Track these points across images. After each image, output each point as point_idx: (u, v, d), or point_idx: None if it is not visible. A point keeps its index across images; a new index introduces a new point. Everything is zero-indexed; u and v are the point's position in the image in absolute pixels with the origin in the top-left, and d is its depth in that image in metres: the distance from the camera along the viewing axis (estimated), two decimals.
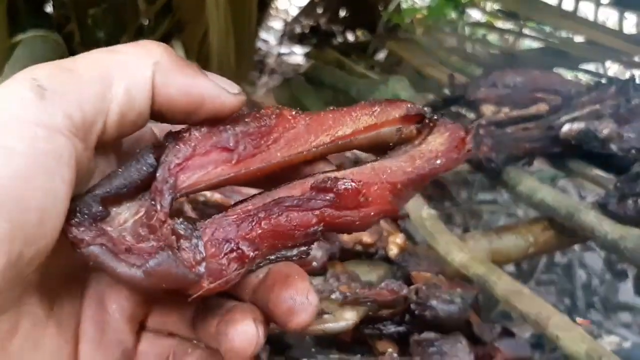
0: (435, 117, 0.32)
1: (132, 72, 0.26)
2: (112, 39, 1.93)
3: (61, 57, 1.00)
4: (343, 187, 0.28)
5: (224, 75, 0.32)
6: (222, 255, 0.26)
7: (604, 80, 1.06)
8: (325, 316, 0.52)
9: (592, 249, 1.75)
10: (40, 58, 1.09)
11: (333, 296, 0.56)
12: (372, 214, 0.28)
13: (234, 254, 0.26)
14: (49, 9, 1.95)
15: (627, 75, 1.21)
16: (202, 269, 0.25)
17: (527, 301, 0.67)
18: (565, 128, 0.87)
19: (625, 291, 1.64)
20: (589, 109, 0.95)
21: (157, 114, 0.27)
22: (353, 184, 0.28)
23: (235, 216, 0.27)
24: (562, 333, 0.63)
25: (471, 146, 0.32)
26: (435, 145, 0.32)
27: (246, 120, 0.29)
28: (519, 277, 1.66)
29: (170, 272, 0.25)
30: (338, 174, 0.28)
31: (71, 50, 1.67)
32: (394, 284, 0.61)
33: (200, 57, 1.60)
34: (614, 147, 0.86)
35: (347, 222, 0.28)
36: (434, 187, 1.93)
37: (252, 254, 0.26)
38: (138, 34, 1.83)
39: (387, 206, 0.29)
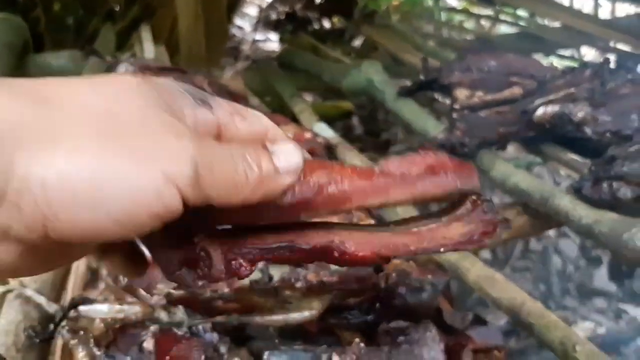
0: (480, 201, 0.32)
1: None
2: (81, 25, 1.88)
3: (24, 41, 0.95)
4: (346, 256, 0.30)
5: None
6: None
7: (578, 65, 1.04)
8: (288, 306, 0.49)
9: (567, 236, 1.76)
10: (0, 41, 1.04)
11: (298, 284, 0.53)
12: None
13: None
14: None
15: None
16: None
17: (500, 287, 0.65)
18: (540, 111, 0.86)
19: (600, 277, 1.65)
20: (563, 93, 0.94)
21: None
22: (356, 253, 0.30)
23: (248, 251, 0.30)
24: (535, 320, 0.62)
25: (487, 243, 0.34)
26: (458, 230, 0.32)
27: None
28: (495, 263, 1.66)
29: None
30: (346, 237, 0.30)
31: (36, 35, 1.61)
32: (362, 271, 0.58)
33: (170, 42, 1.56)
34: (588, 130, 0.85)
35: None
36: None
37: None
38: (107, 19, 1.77)
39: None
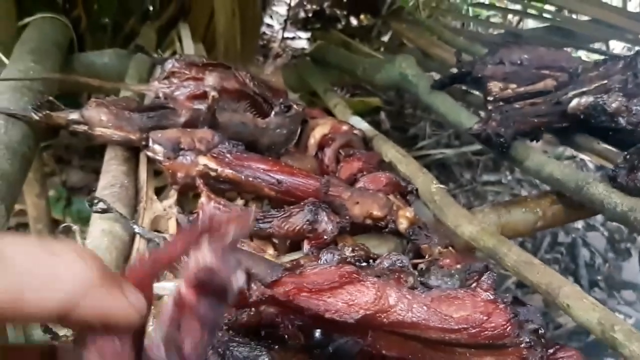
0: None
1: None
2: (117, 24, 1.93)
3: (70, 40, 1.01)
4: None
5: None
6: None
7: (610, 57, 1.06)
8: None
9: (595, 229, 1.77)
10: (48, 40, 1.09)
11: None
12: None
13: None
14: None
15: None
16: None
17: (538, 271, 0.68)
18: (574, 102, 0.88)
19: (629, 269, 1.66)
20: (596, 84, 0.95)
21: None
22: None
23: None
24: (572, 302, 0.64)
25: None
26: None
27: None
28: None
29: None
30: None
31: (78, 34, 1.67)
32: (396, 257, 0.62)
33: (206, 40, 1.60)
34: (622, 120, 0.86)
35: None
36: (439, 169, 1.94)
37: None
38: (144, 19, 1.83)
39: None
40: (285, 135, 0.87)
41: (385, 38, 2.17)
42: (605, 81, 0.96)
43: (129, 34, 1.76)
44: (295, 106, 0.88)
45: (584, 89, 0.93)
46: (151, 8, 1.97)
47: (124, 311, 0.33)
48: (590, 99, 0.87)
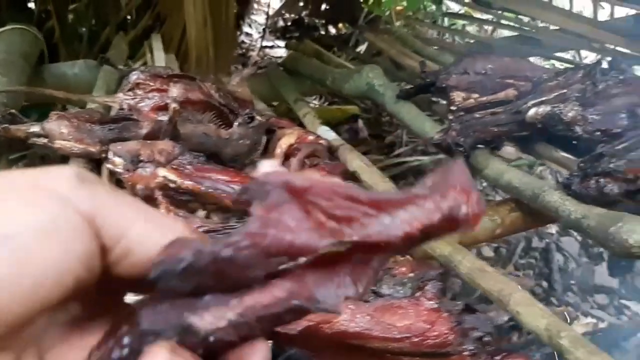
0: None
1: None
2: (93, 35, 1.94)
3: (40, 51, 1.02)
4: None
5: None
6: None
7: (572, 66, 1.08)
8: None
9: (568, 233, 1.79)
10: (15, 52, 1.10)
11: None
12: None
13: None
14: (31, 4, 1.95)
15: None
16: None
17: (491, 279, 0.69)
18: (531, 112, 0.89)
19: (602, 274, 1.68)
20: (556, 93, 0.97)
21: None
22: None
23: None
24: (522, 309, 0.65)
25: None
26: None
27: None
28: (498, 261, 1.69)
29: None
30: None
31: (51, 45, 1.67)
32: None
33: (180, 50, 1.61)
34: (579, 129, 0.88)
35: None
36: (415, 176, 1.96)
37: None
38: (119, 29, 1.83)
39: None
40: (248, 146, 0.88)
41: (362, 48, 2.19)
42: (565, 90, 0.98)
43: (105, 44, 1.77)
44: (258, 117, 0.89)
45: (543, 98, 0.95)
46: (130, 18, 1.98)
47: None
48: (548, 108, 0.89)
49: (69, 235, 0.25)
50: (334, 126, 1.11)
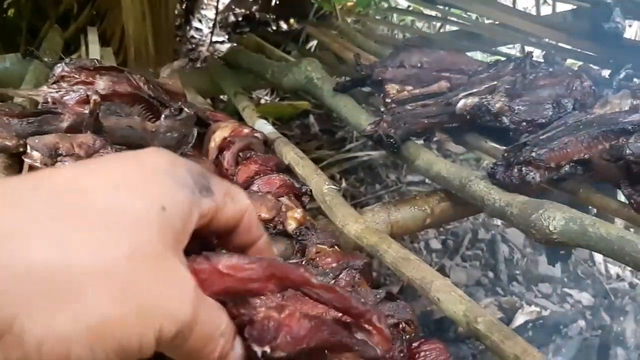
0: None
1: None
2: (33, 28, 1.88)
3: None
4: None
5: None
6: None
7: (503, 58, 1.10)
8: None
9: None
10: None
11: None
12: None
13: None
14: None
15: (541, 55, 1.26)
16: None
17: (413, 267, 0.70)
18: (460, 103, 0.91)
19: (545, 263, 1.72)
20: (486, 85, 0.99)
21: None
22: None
23: None
24: (442, 295, 0.66)
25: None
26: None
27: None
28: (445, 253, 1.72)
29: None
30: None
31: None
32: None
33: (121, 45, 1.58)
34: (506, 120, 0.90)
35: None
36: (365, 170, 1.97)
37: None
38: (59, 22, 1.78)
39: None
40: (176, 139, 0.87)
41: (313, 44, 2.19)
42: (495, 82, 1.00)
43: (44, 38, 1.72)
44: (187, 109, 0.88)
45: (474, 90, 0.97)
46: (73, 11, 1.93)
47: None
48: (476, 99, 0.90)
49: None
50: (286, 122, 1.11)
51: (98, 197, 0.29)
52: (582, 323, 1.57)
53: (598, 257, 1.75)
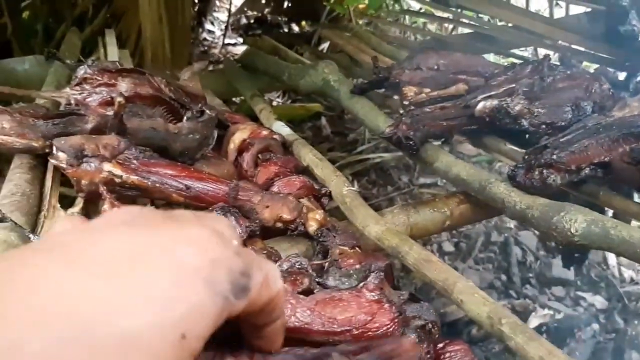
0: None
1: None
2: (49, 31, 1.90)
3: None
4: None
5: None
6: None
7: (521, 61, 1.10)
8: None
9: (526, 228, 1.82)
10: None
11: None
12: None
13: None
14: None
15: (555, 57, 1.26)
16: None
17: (436, 269, 0.70)
18: (480, 106, 0.91)
19: (559, 266, 1.72)
20: (505, 88, 0.99)
21: None
22: None
23: None
24: (465, 297, 0.66)
25: None
26: None
27: None
28: (458, 255, 1.72)
29: None
30: None
31: (4, 40, 1.64)
32: (295, 259, 0.63)
33: (137, 47, 1.59)
34: (525, 122, 0.90)
35: None
36: (377, 172, 1.97)
37: None
38: (75, 25, 1.80)
39: None
40: (198, 140, 0.88)
41: (325, 45, 2.20)
42: (513, 85, 1.00)
43: (60, 40, 1.74)
44: (208, 111, 0.89)
45: (492, 93, 0.97)
46: (89, 14, 1.94)
47: None
48: (495, 102, 0.91)
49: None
50: (298, 124, 1.12)
51: (107, 323, 0.25)
52: (595, 326, 1.57)
53: (612, 260, 1.74)
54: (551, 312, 1.63)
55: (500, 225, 1.82)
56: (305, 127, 2.13)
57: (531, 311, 1.61)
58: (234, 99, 1.92)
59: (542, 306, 1.64)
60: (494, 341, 1.51)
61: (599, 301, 1.66)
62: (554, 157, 0.80)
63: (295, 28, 2.48)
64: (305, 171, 0.95)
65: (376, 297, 0.56)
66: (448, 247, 1.76)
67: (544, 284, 1.71)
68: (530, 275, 1.73)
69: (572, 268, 1.69)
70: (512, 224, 1.83)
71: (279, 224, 0.79)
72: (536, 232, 1.83)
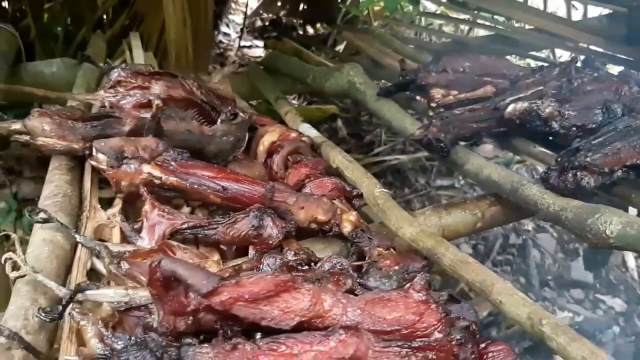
0: None
1: None
2: (69, 33, 1.92)
3: (17, 49, 1.01)
4: None
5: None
6: None
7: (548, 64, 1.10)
8: None
9: (545, 230, 1.82)
10: None
11: None
12: None
13: None
14: (4, 3, 1.92)
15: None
16: None
17: (473, 270, 0.70)
18: (510, 108, 0.91)
19: (577, 269, 1.71)
20: (533, 90, 1.00)
21: None
22: None
23: None
24: (504, 298, 0.66)
25: None
26: None
27: None
28: (476, 258, 1.72)
29: None
30: None
31: (27, 43, 1.65)
32: (336, 260, 0.64)
33: (158, 49, 1.60)
34: (555, 125, 0.90)
35: None
36: (394, 174, 1.98)
37: None
38: (96, 28, 1.82)
39: None
40: (232, 143, 0.88)
41: (341, 47, 2.20)
42: (541, 87, 1.00)
43: (81, 43, 1.75)
44: (241, 114, 0.89)
45: (521, 95, 0.98)
46: (105, 17, 1.96)
47: None
48: (525, 104, 0.91)
49: None
50: (314, 125, 1.12)
51: None
52: (616, 329, 1.56)
53: (631, 263, 1.74)
54: (570, 314, 1.63)
55: (518, 227, 1.82)
56: (322, 129, 2.13)
57: (550, 314, 1.60)
58: (250, 102, 1.93)
59: (561, 309, 1.64)
60: (512, 342, 1.50)
61: (618, 304, 1.65)
62: (588, 159, 0.80)
63: (310, 30, 2.49)
64: (336, 173, 0.96)
65: (423, 298, 0.56)
66: (466, 249, 1.76)
67: (562, 286, 1.71)
68: (549, 277, 1.73)
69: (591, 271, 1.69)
70: (530, 226, 1.83)
71: (314, 225, 0.80)
72: (554, 234, 1.83)
